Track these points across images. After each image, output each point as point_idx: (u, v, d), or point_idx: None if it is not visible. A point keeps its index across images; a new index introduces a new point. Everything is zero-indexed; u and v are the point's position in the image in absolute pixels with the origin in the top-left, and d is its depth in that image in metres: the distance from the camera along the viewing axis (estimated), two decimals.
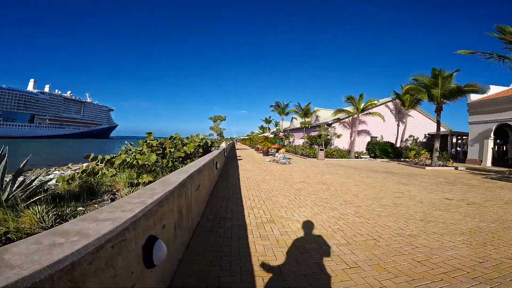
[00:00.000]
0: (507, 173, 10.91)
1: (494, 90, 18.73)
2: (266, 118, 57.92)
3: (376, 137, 26.46)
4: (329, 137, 24.35)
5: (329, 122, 25.26)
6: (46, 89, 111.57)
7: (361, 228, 4.21)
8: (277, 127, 50.28)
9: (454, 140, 27.63)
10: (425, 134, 27.76)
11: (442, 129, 29.16)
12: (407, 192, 7.48)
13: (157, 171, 7.11)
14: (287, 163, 15.09)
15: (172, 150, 7.51)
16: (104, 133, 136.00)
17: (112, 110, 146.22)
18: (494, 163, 17.57)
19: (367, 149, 23.88)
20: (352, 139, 24.13)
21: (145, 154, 6.72)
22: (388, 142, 23.70)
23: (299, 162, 16.65)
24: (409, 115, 25.29)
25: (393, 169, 14.53)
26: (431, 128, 28.25)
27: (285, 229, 4.03)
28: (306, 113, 30.39)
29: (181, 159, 8.02)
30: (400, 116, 26.92)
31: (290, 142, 38.44)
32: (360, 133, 25.29)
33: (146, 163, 6.53)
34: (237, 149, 35.96)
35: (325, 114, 32.22)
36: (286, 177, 9.83)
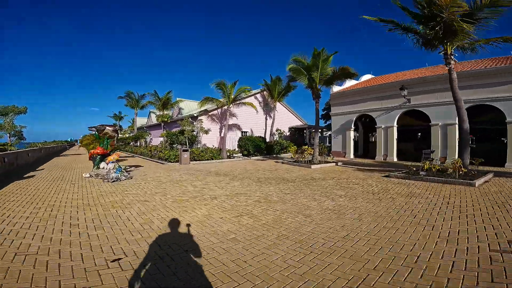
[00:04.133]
0: (414, 169, 9.09)
1: (349, 83, 19.57)
2: (115, 113, 45.37)
3: (246, 132, 23.68)
4: (195, 133, 19.05)
5: (195, 115, 19.94)
6: None
7: None
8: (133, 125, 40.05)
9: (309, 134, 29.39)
10: (289, 128, 27.82)
11: (299, 122, 30.60)
12: (383, 237, 3.12)
13: None
14: (122, 178, 8.42)
15: None
16: None
17: None
18: (354, 154, 18.03)
19: (239, 146, 20.43)
20: (223, 134, 19.93)
21: None
22: (261, 137, 21.23)
23: (150, 173, 10.28)
24: (275, 109, 24.06)
25: (280, 172, 10.99)
26: (293, 122, 28.87)
27: None
28: (165, 104, 23.71)
29: None
30: (267, 109, 25.44)
31: (146, 142, 30.37)
32: (231, 127, 21.55)
33: None
34: (68, 155, 24.11)
35: (190, 106, 26.73)
36: (86, 240, 3.49)
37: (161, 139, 22.94)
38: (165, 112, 23.87)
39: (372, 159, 16.12)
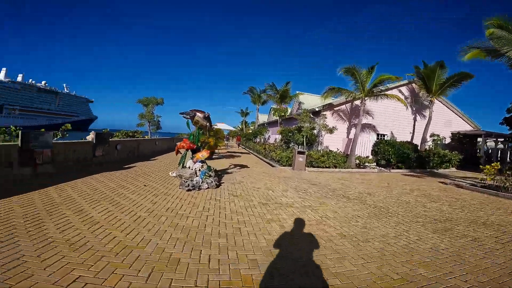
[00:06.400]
0: None
1: None
2: (242, 110, 48.17)
3: (384, 135, 17.64)
4: (315, 131, 15.28)
5: (316, 109, 16.15)
6: (19, 78, 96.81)
7: None
8: (255, 121, 41.03)
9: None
10: (452, 133, 19.19)
11: (468, 126, 20.85)
12: None
13: None
14: (204, 186, 5.80)
15: None
16: (82, 125, 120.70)
17: (91, 101, 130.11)
18: None
19: (374, 152, 14.96)
20: (352, 136, 15.16)
21: None
22: (409, 142, 14.93)
23: (249, 181, 7.44)
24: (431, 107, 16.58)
25: (478, 212, 5.50)
26: (457, 125, 19.78)
27: None
28: (283, 96, 21.24)
29: None
30: (417, 106, 18.22)
31: (265, 139, 29.35)
32: (363, 128, 16.33)
33: None
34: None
35: (311, 101, 23.20)
36: None
37: (278, 136, 20.66)
38: (283, 106, 21.42)
39: None
